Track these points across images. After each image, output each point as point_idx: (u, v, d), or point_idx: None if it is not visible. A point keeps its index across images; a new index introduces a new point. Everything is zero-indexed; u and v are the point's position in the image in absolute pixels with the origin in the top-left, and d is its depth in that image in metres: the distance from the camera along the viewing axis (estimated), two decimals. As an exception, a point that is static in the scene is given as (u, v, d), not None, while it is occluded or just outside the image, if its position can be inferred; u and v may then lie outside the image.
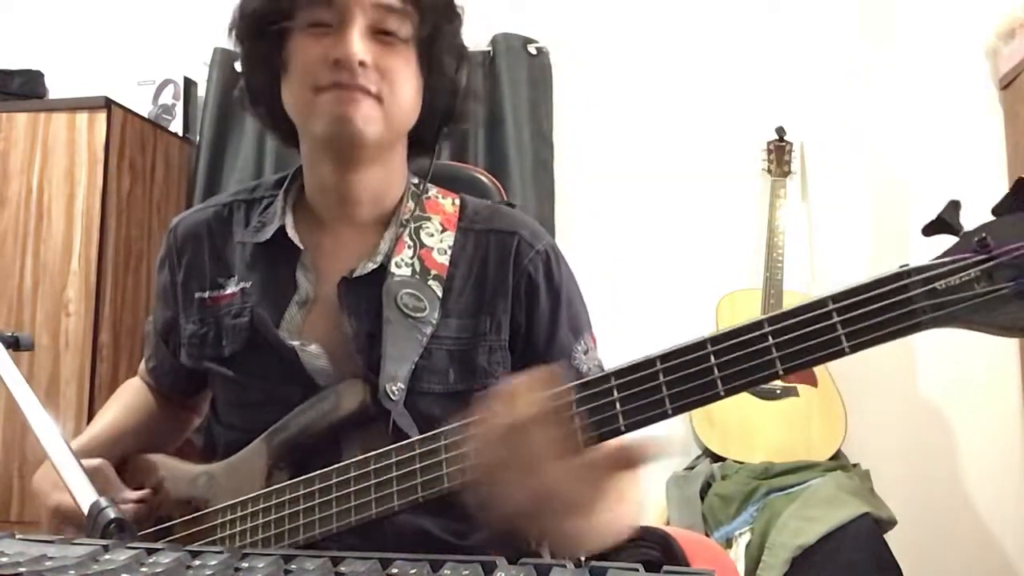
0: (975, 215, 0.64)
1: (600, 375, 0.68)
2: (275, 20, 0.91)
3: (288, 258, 0.98)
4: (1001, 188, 2.64)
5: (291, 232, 0.98)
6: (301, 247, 0.98)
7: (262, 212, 1.03)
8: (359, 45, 0.87)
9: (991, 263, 0.60)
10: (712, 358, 0.65)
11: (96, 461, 0.95)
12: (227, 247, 1.02)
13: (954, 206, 0.64)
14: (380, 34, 0.90)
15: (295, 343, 0.93)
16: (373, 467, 0.79)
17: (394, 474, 0.77)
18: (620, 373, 0.68)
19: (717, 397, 0.65)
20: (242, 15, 0.94)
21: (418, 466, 0.76)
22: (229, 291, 0.99)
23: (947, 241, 0.65)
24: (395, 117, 0.92)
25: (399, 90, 0.91)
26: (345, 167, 0.95)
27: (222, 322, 0.98)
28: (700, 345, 0.66)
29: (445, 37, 0.94)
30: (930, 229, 0.64)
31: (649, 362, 0.67)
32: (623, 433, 0.67)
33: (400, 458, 0.77)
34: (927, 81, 2.62)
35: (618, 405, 0.67)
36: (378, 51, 0.89)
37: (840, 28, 2.69)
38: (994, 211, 0.62)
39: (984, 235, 0.60)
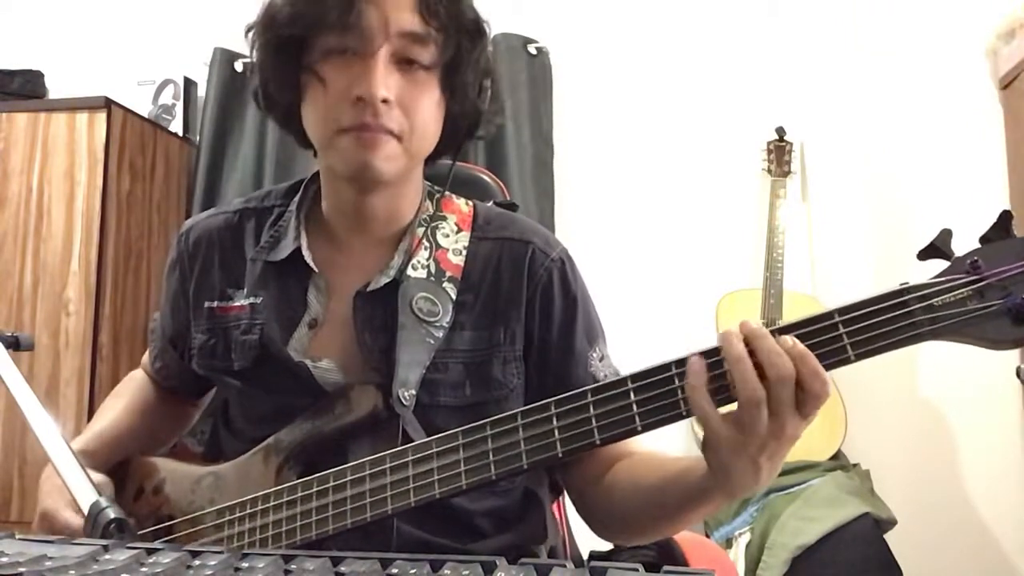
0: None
1: (618, 378, 0.75)
2: (299, 41, 0.88)
3: (300, 277, 0.97)
4: (1001, 189, 2.64)
5: (307, 254, 0.97)
6: (316, 269, 0.97)
7: (273, 224, 1.01)
8: (383, 81, 0.85)
9: (982, 283, 0.66)
10: (723, 365, 0.71)
11: (99, 477, 0.95)
12: (237, 258, 1.01)
13: (946, 234, 0.70)
14: (403, 62, 0.88)
15: (306, 361, 0.93)
16: (389, 465, 0.80)
17: (411, 472, 0.78)
18: (636, 377, 0.74)
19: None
20: (263, 30, 0.91)
21: (435, 464, 0.78)
22: (238, 304, 0.98)
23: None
24: (415, 150, 0.92)
25: (420, 125, 0.89)
26: (364, 193, 0.95)
27: (231, 335, 0.97)
28: (714, 351, 0.71)
29: (469, 62, 0.91)
30: (924, 255, 0.70)
31: (666, 367, 0.73)
32: (640, 432, 0.74)
33: (416, 456, 0.79)
34: (927, 81, 2.61)
35: (635, 407, 0.73)
36: (401, 83, 0.87)
37: (840, 28, 2.69)
38: (981, 240, 0.69)
39: (976, 259, 0.67)
